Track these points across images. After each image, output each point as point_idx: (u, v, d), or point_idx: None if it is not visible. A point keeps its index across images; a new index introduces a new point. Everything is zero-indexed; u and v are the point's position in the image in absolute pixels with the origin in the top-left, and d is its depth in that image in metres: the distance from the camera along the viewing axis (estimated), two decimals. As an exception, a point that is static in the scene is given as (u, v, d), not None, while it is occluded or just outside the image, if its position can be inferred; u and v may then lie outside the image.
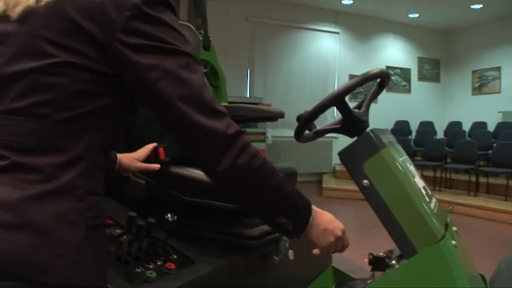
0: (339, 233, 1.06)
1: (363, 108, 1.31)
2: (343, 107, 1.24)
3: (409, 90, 10.68)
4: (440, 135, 9.81)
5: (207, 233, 1.53)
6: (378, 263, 1.22)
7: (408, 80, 10.68)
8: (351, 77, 8.45)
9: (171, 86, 0.81)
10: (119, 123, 0.90)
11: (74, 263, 0.75)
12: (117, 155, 1.41)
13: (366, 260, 1.26)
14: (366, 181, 1.19)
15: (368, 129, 1.24)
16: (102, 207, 0.85)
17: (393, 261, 1.20)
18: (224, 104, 4.47)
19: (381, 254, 1.20)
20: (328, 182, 8.37)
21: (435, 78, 11.08)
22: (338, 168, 8.89)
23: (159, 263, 1.36)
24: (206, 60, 5.21)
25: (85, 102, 0.80)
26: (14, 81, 0.78)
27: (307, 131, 1.35)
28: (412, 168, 1.29)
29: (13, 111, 0.77)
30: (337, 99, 1.21)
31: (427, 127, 9.86)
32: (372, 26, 10.10)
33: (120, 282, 1.18)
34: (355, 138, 1.25)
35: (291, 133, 1.36)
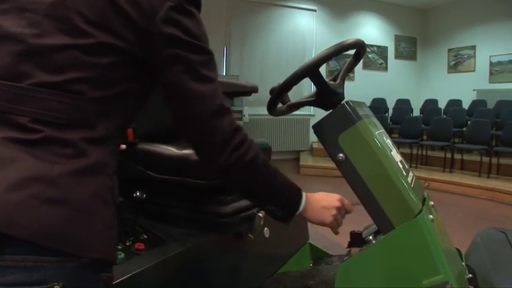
0: (337, 204, 1.14)
1: (338, 81, 1.26)
2: (317, 79, 1.19)
3: (385, 68, 10.72)
4: (416, 112, 9.92)
5: (178, 211, 1.47)
6: (354, 239, 1.20)
7: (385, 58, 10.71)
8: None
9: (190, 80, 0.85)
10: (140, 107, 0.93)
11: (107, 238, 0.78)
12: None
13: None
14: (341, 155, 1.15)
15: (343, 102, 1.20)
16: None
17: (370, 237, 1.18)
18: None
19: (357, 230, 1.17)
20: (306, 160, 8.40)
21: (412, 56, 11.14)
22: (315, 145, 8.91)
23: (127, 244, 1.31)
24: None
25: (117, 83, 0.82)
26: (48, 55, 0.77)
27: (280, 104, 1.30)
28: (389, 141, 1.25)
29: (47, 85, 0.76)
30: (311, 70, 1.16)
31: (403, 105, 9.93)
32: (349, 4, 10.04)
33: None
34: (330, 111, 1.20)
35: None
